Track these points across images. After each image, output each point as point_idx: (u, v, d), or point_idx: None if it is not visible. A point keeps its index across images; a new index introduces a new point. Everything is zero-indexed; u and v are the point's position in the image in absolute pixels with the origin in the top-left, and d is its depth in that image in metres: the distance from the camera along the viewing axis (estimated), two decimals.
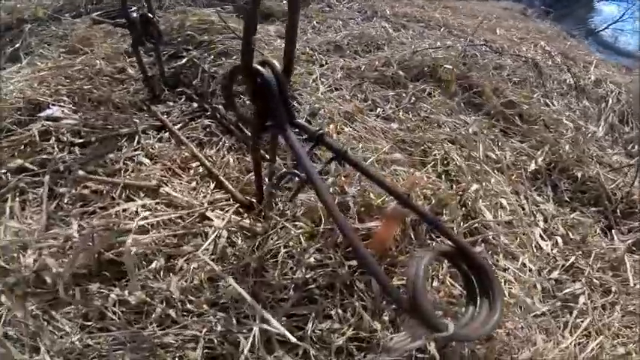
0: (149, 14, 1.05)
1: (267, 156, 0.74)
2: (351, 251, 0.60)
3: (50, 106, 0.98)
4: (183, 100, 1.14)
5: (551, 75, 2.56)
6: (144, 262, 0.60)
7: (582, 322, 0.84)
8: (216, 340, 0.51)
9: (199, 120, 1.04)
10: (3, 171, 0.78)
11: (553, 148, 1.40)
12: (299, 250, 0.62)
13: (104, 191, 0.74)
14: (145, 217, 0.65)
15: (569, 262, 0.99)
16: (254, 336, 0.50)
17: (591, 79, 2.73)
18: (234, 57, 1.31)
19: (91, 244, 0.57)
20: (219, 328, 0.51)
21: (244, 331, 0.52)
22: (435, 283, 0.64)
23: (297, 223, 0.66)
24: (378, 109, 1.20)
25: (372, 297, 0.57)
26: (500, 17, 4.59)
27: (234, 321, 0.53)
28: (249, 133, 0.93)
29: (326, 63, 1.43)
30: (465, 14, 3.92)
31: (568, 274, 0.97)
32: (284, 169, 0.66)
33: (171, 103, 1.11)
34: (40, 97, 1.00)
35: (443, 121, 1.26)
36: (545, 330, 0.80)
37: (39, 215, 0.70)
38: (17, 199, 0.74)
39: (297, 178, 0.58)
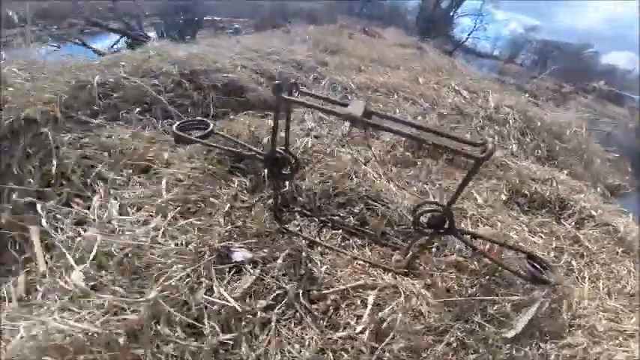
0: (288, 149, 1.40)
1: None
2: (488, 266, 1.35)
3: (231, 249, 1.33)
4: (299, 216, 1.65)
5: (469, 113, 3.69)
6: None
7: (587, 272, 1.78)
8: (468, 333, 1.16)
9: (326, 230, 1.59)
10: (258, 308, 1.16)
11: (506, 180, 2.33)
12: (460, 279, 1.32)
13: (339, 297, 1.27)
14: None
15: (554, 246, 1.89)
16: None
17: (492, 106, 3.99)
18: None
19: None
20: (469, 328, 1.16)
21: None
22: None
23: (448, 270, 1.35)
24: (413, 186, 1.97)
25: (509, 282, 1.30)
26: (409, 60, 5.93)
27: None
28: (370, 233, 1.56)
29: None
30: (390, 66, 5.04)
31: (556, 251, 1.88)
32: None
33: (296, 222, 1.61)
34: (210, 243, 1.30)
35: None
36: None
37: (310, 330, 1.17)
38: (281, 322, 1.17)
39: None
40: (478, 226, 1.77)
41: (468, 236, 1.41)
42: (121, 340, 0.98)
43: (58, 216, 1.38)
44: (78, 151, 1.63)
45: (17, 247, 1.33)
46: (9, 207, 1.41)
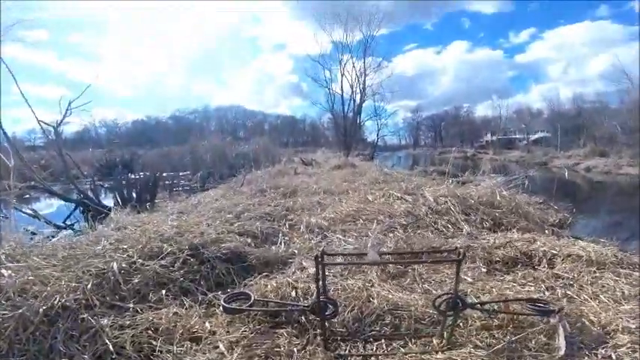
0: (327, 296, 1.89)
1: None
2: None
3: None
4: (342, 343, 1.96)
5: (420, 214, 4.39)
6: None
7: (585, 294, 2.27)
8: None
9: (369, 345, 1.93)
10: None
11: (477, 257, 2.93)
12: (493, 335, 1.78)
13: None
14: None
15: (544, 287, 2.48)
16: None
17: (431, 200, 4.75)
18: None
19: None
20: None
21: None
22: None
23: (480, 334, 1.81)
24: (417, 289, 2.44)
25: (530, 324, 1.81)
26: (350, 181, 6.95)
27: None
28: (406, 333, 1.93)
29: None
30: (341, 193, 5.86)
31: (549, 291, 2.43)
32: None
33: (342, 347, 1.93)
34: None
35: None
36: None
37: None
38: None
39: None
40: (479, 297, 2.26)
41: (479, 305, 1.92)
42: None
43: None
44: (127, 331, 1.88)
45: None
46: None
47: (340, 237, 3.71)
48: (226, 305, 1.94)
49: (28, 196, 8.04)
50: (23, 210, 5.73)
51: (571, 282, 2.49)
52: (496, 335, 1.86)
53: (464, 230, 3.98)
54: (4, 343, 1.67)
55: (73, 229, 5.49)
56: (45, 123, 6.59)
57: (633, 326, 1.84)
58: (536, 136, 29.66)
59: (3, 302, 1.81)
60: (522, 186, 6.37)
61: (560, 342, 1.71)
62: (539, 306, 1.85)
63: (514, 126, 33.50)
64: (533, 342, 1.78)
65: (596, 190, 12.81)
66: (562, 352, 1.66)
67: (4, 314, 1.74)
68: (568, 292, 2.33)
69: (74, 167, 8.22)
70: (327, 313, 1.84)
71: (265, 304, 2.18)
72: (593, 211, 8.50)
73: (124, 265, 2.48)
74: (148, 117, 39.41)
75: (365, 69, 30.06)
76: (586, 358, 1.68)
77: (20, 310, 1.76)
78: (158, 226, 3.35)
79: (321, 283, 1.88)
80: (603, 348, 1.74)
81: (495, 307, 1.96)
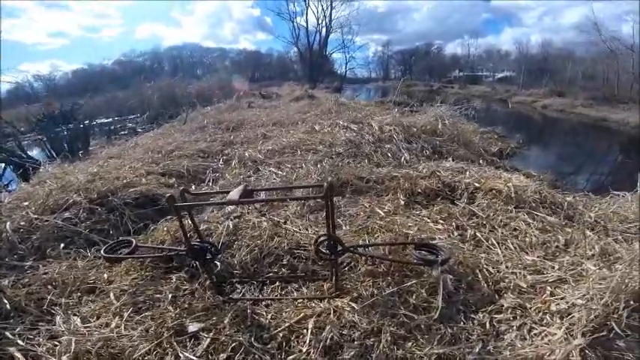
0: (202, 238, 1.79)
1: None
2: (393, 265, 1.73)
3: (184, 325, 1.53)
4: (238, 285, 1.89)
5: (361, 142, 4.28)
6: None
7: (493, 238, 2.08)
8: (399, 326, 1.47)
9: (266, 287, 1.85)
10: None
11: (399, 188, 2.84)
12: (377, 283, 1.68)
13: (287, 333, 1.51)
14: None
15: (455, 226, 2.29)
16: None
17: (376, 129, 4.61)
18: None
19: None
20: (397, 321, 1.48)
21: None
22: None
23: (366, 280, 1.72)
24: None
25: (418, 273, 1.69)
26: (303, 112, 6.61)
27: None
28: (302, 275, 1.85)
29: None
30: (291, 124, 5.55)
31: (459, 230, 2.26)
32: None
33: (238, 290, 1.85)
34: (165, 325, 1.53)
35: None
36: None
37: None
38: None
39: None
40: (378, 235, 2.14)
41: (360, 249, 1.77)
42: None
43: (30, 336, 1.53)
44: (24, 289, 1.82)
45: None
46: None
47: (273, 170, 3.54)
48: (105, 255, 1.83)
49: None
50: None
51: (484, 222, 2.27)
52: (380, 284, 1.69)
53: (402, 159, 3.88)
54: None
55: (8, 191, 5.11)
56: None
57: (524, 285, 1.64)
58: (502, 74, 30.44)
59: None
60: (469, 116, 6.35)
61: (438, 301, 1.49)
62: (426, 253, 1.65)
63: (482, 65, 34.29)
64: (414, 297, 1.59)
65: (550, 125, 13.36)
66: (436, 316, 1.45)
67: None
68: (478, 234, 2.13)
69: (6, 125, 7.51)
70: (208, 257, 1.74)
71: (151, 251, 2.07)
72: (542, 144, 8.75)
73: (22, 224, 2.39)
74: (89, 65, 34.49)
75: (332, 1, 28.69)
76: (462, 322, 1.48)
77: None
78: (76, 175, 3.17)
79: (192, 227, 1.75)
80: (484, 312, 1.53)
81: (382, 250, 1.83)
